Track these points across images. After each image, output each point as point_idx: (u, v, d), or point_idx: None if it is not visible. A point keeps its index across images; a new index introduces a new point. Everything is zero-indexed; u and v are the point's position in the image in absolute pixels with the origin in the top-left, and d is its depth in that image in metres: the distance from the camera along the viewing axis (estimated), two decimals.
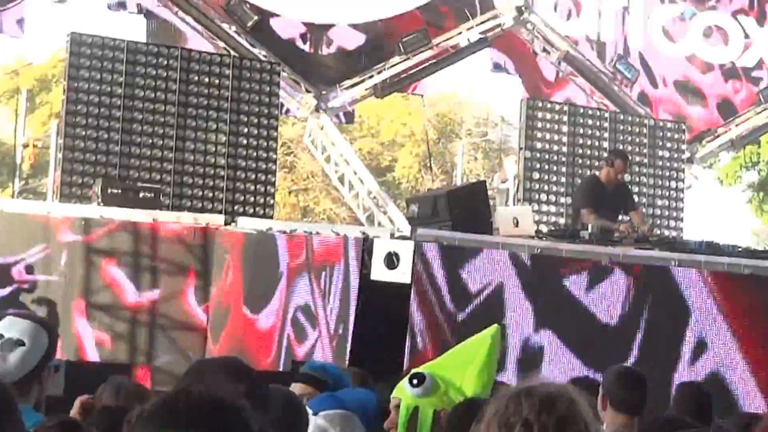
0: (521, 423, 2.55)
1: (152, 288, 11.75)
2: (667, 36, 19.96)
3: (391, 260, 9.84)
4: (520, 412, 2.56)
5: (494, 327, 4.21)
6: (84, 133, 13.85)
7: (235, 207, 14.30)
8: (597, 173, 14.62)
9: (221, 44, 16.57)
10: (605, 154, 16.11)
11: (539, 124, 16.39)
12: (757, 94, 20.04)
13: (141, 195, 12.82)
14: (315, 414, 3.91)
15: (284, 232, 11.62)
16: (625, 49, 19.54)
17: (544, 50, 18.67)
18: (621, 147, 16.26)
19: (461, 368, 4.11)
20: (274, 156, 15.30)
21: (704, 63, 20.18)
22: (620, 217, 13.86)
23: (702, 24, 20.18)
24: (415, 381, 4.22)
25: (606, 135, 16.76)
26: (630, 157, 15.14)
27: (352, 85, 17.82)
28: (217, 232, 12.05)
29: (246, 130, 14.74)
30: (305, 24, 17.77)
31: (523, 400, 2.58)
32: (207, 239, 11.99)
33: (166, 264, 11.84)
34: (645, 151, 17.00)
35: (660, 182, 17.17)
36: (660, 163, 17.20)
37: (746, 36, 20.38)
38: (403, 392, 4.26)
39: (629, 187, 14.81)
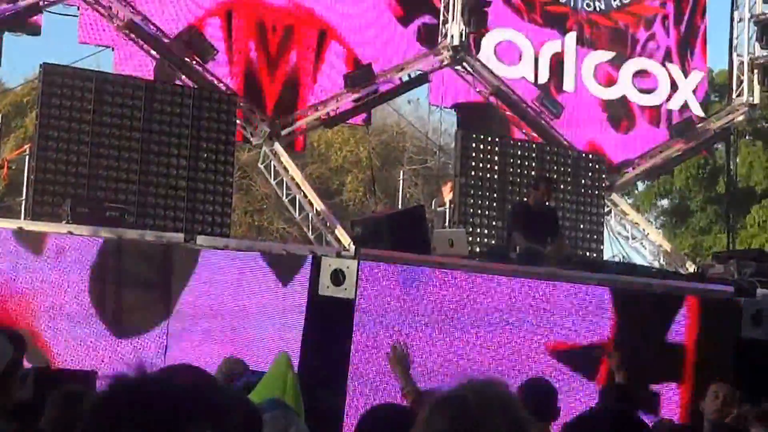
0: None
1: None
2: (598, 79, 20.17)
3: (337, 277, 9.84)
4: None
5: (282, 354, 4.13)
6: (55, 155, 13.82)
7: (194, 226, 14.27)
8: (525, 199, 14.63)
9: (183, 76, 16.55)
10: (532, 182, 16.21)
11: (473, 154, 16.49)
12: (669, 129, 20.29)
13: (107, 214, 12.74)
14: None
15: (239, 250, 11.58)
16: (559, 90, 19.74)
17: (477, 86, 18.79)
18: (542, 175, 16.36)
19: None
20: (231, 179, 15.32)
21: (636, 105, 20.42)
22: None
23: (632, 69, 20.43)
24: None
25: (533, 164, 16.89)
26: (554, 182, 15.13)
27: (304, 116, 17.85)
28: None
29: (205, 155, 14.73)
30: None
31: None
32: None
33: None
34: (569, 179, 17.13)
35: (582, 208, 17.32)
36: (582, 190, 17.35)
37: (673, 82, 20.64)
38: None
39: (557, 213, 14.77)
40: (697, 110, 20.73)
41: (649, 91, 20.51)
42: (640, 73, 20.50)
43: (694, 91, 20.88)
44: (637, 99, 20.45)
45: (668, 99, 20.62)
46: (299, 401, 3.94)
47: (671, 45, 20.87)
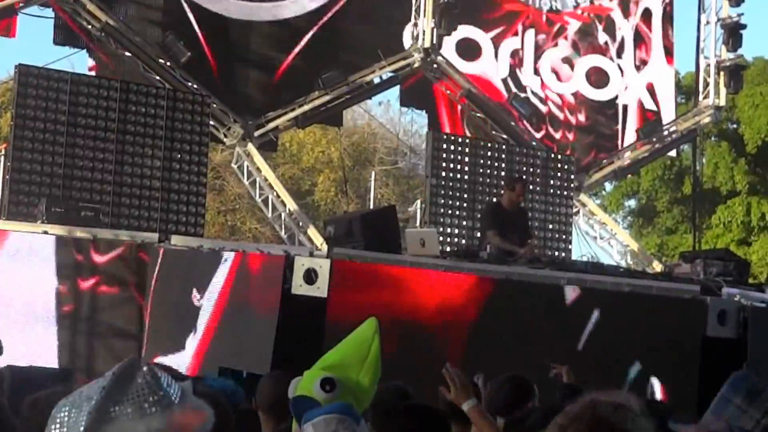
0: None
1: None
2: (556, 75, 20.27)
3: (310, 276, 9.84)
4: None
5: (373, 319, 4.15)
6: (30, 156, 13.80)
7: (168, 225, 14.26)
8: (499, 199, 14.59)
9: (157, 77, 16.52)
10: (503, 182, 16.26)
11: (443, 155, 16.51)
12: (637, 131, 20.40)
13: (82, 214, 12.73)
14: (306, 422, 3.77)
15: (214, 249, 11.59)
16: (518, 86, 19.83)
17: (448, 88, 18.83)
18: (516, 176, 16.41)
19: (357, 364, 4.05)
20: (204, 180, 15.31)
21: (590, 101, 20.52)
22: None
23: (585, 65, 20.54)
24: (327, 387, 4.18)
25: (503, 165, 16.93)
26: (528, 184, 15.18)
27: (276, 117, 17.84)
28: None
29: (179, 155, 14.73)
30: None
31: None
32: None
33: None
34: (538, 180, 17.19)
35: (551, 208, 17.38)
36: (551, 191, 17.40)
37: (624, 78, 20.78)
38: (313, 395, 4.22)
39: (528, 215, 14.77)
40: (650, 105, 20.86)
41: (603, 88, 20.64)
42: (595, 70, 20.61)
43: (648, 89, 20.97)
44: (591, 95, 20.53)
45: (622, 95, 20.78)
46: (378, 370, 3.93)
47: (624, 43, 20.96)
